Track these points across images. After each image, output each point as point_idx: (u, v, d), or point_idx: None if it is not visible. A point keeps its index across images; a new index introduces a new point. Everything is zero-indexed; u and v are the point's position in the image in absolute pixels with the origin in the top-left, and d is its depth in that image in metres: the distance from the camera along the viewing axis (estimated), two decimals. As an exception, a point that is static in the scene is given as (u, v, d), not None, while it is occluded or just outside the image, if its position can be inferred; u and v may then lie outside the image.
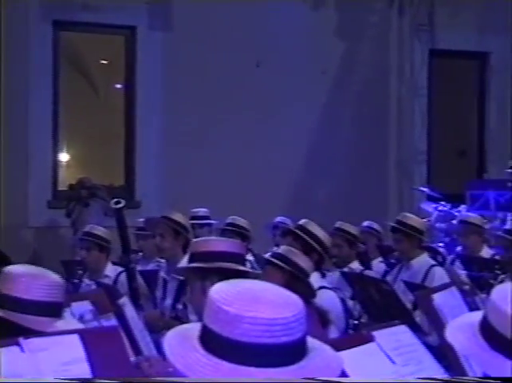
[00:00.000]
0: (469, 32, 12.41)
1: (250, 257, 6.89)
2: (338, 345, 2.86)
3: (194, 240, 4.15)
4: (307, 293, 4.45)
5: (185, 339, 1.91)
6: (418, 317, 5.09)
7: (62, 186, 11.06)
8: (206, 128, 11.14)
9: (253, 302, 1.85)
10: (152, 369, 3.32)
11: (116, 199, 4.90)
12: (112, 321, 3.62)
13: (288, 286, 4.50)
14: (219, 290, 1.89)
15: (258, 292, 1.89)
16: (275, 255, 4.63)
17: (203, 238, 4.49)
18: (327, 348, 1.97)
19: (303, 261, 4.61)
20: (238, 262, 3.82)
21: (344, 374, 2.70)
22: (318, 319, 4.23)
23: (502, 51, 12.74)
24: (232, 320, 1.83)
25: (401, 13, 12.26)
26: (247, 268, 4.07)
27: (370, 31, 12.13)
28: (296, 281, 4.47)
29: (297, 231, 6.02)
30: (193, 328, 1.94)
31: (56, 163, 11.14)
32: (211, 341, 1.85)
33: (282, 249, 4.75)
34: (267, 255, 4.71)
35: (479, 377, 1.98)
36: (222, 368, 1.82)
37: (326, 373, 1.87)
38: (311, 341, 1.92)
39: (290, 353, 1.84)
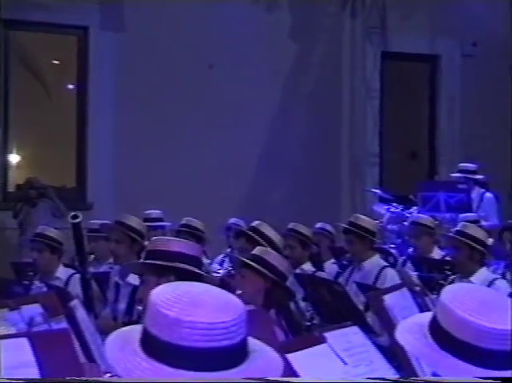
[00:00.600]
0: (420, 35, 12.53)
1: (204, 260, 6.88)
2: (290, 347, 2.88)
3: (155, 238, 4.17)
4: (285, 298, 4.49)
5: (126, 343, 1.89)
6: (369, 318, 5.12)
7: (12, 187, 10.94)
8: (159, 129, 11.10)
9: (192, 305, 1.84)
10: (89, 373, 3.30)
11: (73, 213, 4.85)
12: (62, 324, 3.58)
13: (268, 292, 4.53)
14: (159, 293, 1.88)
15: (198, 295, 1.88)
16: (256, 259, 4.62)
17: (164, 237, 4.50)
18: (268, 349, 1.97)
19: (282, 265, 4.63)
20: (195, 264, 3.85)
21: (295, 375, 2.71)
22: (285, 325, 4.27)
23: (452, 54, 12.89)
24: (171, 324, 1.82)
25: (353, 16, 12.33)
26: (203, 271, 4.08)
27: (323, 33, 12.18)
28: (276, 287, 4.50)
29: (250, 233, 6.03)
30: (134, 331, 1.92)
31: (6, 164, 11.01)
32: (152, 345, 1.84)
33: (260, 251, 4.74)
34: (244, 258, 4.69)
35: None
36: (162, 372, 1.81)
37: (267, 374, 1.87)
38: (252, 344, 1.92)
39: (231, 356, 1.84)
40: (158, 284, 3.61)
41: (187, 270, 3.78)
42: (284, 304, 4.56)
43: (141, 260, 4.23)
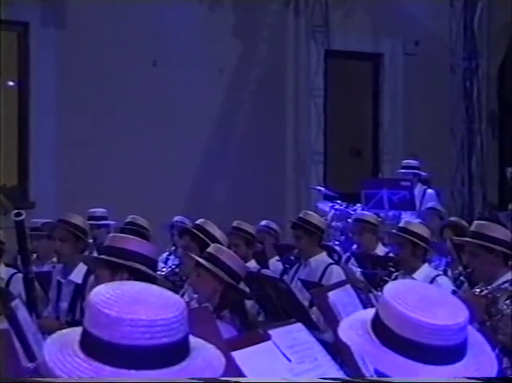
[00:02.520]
0: (363, 34, 12.62)
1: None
2: (234, 344, 2.87)
3: (112, 234, 4.15)
4: (240, 297, 4.49)
5: (65, 344, 1.88)
6: (314, 314, 5.15)
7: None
8: (102, 127, 11.01)
9: (133, 304, 1.84)
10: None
11: (16, 211, 4.79)
12: (3, 325, 3.54)
13: (224, 292, 4.52)
14: (99, 293, 1.87)
15: (138, 294, 1.87)
16: (211, 259, 4.59)
17: (122, 235, 4.50)
18: (210, 347, 1.96)
19: (237, 264, 4.63)
20: (150, 266, 3.85)
21: (240, 373, 2.71)
22: (238, 325, 4.28)
23: (395, 52, 13.01)
24: (112, 323, 1.81)
25: (297, 14, 12.37)
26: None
27: (267, 31, 12.20)
28: (231, 287, 4.50)
29: (195, 231, 6.01)
30: (73, 332, 1.91)
31: None
32: (92, 346, 1.83)
33: (215, 250, 4.71)
34: (200, 259, 4.66)
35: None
36: (102, 372, 1.80)
37: (208, 372, 1.87)
38: (194, 341, 1.92)
39: (171, 354, 1.83)
40: (112, 280, 3.61)
41: (142, 270, 3.77)
42: (239, 304, 4.57)
43: (96, 255, 4.22)
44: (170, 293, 1.93)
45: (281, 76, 12.31)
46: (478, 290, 4.41)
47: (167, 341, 1.82)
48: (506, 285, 4.37)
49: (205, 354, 1.92)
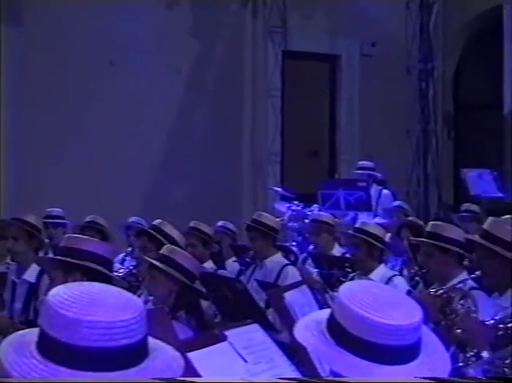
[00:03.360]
0: (320, 34, 12.67)
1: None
2: (191, 345, 2.87)
3: (68, 235, 4.12)
4: (195, 298, 4.48)
5: (21, 346, 1.86)
6: (270, 315, 5.16)
7: None
8: (60, 126, 10.92)
9: (91, 305, 1.83)
10: None
11: None
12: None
13: (179, 293, 4.51)
14: (56, 294, 1.85)
15: (97, 295, 1.86)
16: (165, 260, 4.58)
17: (78, 235, 4.47)
18: (168, 348, 1.96)
19: (191, 264, 4.62)
20: (105, 265, 3.83)
21: (196, 374, 2.71)
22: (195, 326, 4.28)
23: (351, 53, 13.08)
24: (70, 324, 1.80)
25: (255, 15, 12.39)
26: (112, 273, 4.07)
27: (224, 31, 12.20)
28: (186, 288, 4.49)
29: (151, 232, 5.99)
30: (30, 333, 1.89)
31: None
32: (49, 347, 1.82)
33: (169, 251, 4.69)
34: (154, 261, 4.64)
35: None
36: (59, 374, 1.79)
37: (167, 373, 1.87)
38: (153, 342, 1.91)
39: (130, 355, 1.82)
40: (65, 281, 3.59)
41: (97, 270, 3.75)
42: (194, 304, 4.56)
43: (51, 256, 4.19)
44: (129, 294, 1.92)
45: (238, 77, 12.31)
46: (433, 290, 4.46)
47: (126, 342, 1.81)
48: (461, 285, 4.42)
49: (164, 355, 1.91)
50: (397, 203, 9.74)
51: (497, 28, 12.44)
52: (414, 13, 13.07)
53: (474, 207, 9.25)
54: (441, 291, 4.32)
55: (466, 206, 9.47)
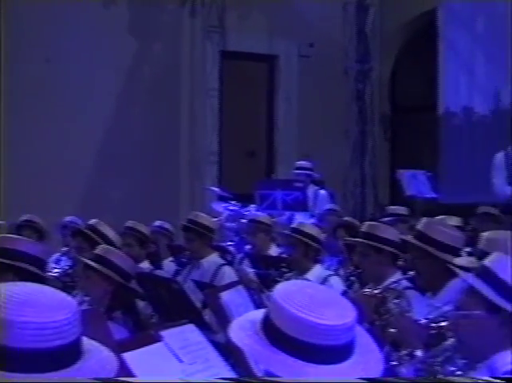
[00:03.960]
0: (258, 35, 12.69)
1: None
2: (126, 346, 2.86)
3: (1, 235, 4.07)
4: (131, 298, 4.44)
5: None
6: (207, 315, 5.16)
7: None
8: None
9: (23, 305, 1.81)
10: None
11: None
12: None
13: (114, 293, 4.47)
14: None
15: (29, 295, 1.85)
16: (100, 260, 4.53)
17: (11, 235, 4.41)
18: (103, 349, 1.95)
19: (127, 264, 4.58)
20: (38, 265, 3.79)
21: (130, 374, 2.69)
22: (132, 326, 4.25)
23: (290, 54, 13.13)
24: (3, 325, 1.78)
25: (193, 14, 12.35)
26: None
27: (162, 31, 12.14)
28: (122, 288, 4.45)
29: (87, 231, 5.95)
30: None
31: None
32: None
33: (104, 251, 4.65)
34: (89, 261, 4.60)
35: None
36: None
37: (101, 374, 1.85)
38: (87, 343, 1.90)
39: (63, 356, 1.81)
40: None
41: (29, 270, 3.71)
42: (130, 304, 4.54)
43: None
44: (62, 294, 1.91)
45: (176, 76, 12.27)
46: (367, 290, 4.50)
47: (59, 343, 1.80)
48: (395, 285, 4.47)
49: (98, 356, 1.90)
50: (329, 206, 9.81)
51: (432, 30, 12.62)
52: (351, 15, 13.18)
53: (402, 209, 9.33)
54: (375, 291, 4.37)
55: (393, 208, 9.54)
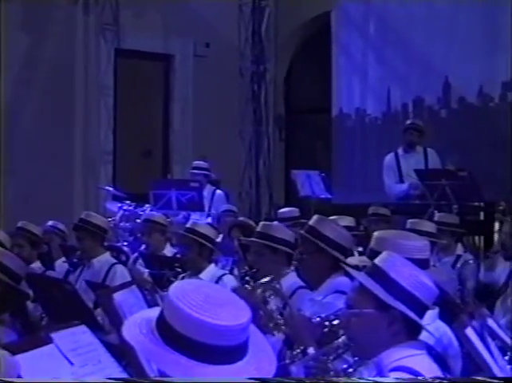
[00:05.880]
0: (154, 33, 12.62)
1: None
2: (15, 349, 2.79)
3: None
4: (20, 300, 4.35)
5: None
6: (99, 316, 5.10)
7: None
8: None
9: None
10: None
11: None
12: None
13: (2, 295, 4.38)
14: None
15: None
16: None
17: None
18: (4, 353, 1.91)
19: (16, 265, 4.48)
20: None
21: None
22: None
23: (185, 53, 13.10)
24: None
25: (86, 11, 12.17)
26: None
27: (55, 27, 11.93)
28: (11, 289, 4.36)
29: (-25, 232, 5.81)
30: None
31: None
32: None
33: None
34: None
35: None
36: None
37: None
38: None
39: None
40: None
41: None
42: (19, 306, 4.44)
43: None
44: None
45: (70, 74, 12.08)
46: (247, 285, 4.57)
47: None
48: (275, 282, 4.50)
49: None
50: (225, 206, 9.84)
51: (326, 32, 12.78)
52: (247, 16, 13.24)
53: (293, 212, 9.41)
54: (255, 287, 4.43)
55: (282, 213, 9.60)
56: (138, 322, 2.21)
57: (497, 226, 8.00)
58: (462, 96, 11.40)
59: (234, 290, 4.10)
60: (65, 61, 12.02)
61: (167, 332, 2.12)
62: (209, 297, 2.15)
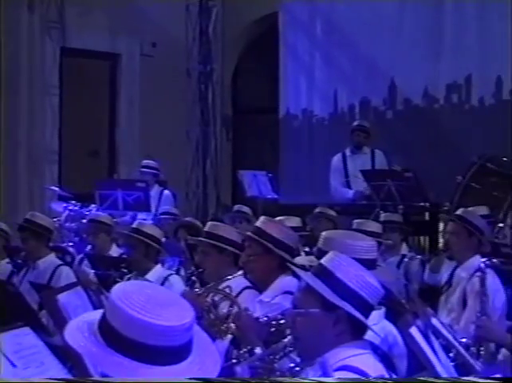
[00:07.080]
0: (100, 32, 12.52)
1: None
2: (-46, 352, 2.74)
3: None
4: None
5: None
6: (44, 317, 5.05)
7: None
8: None
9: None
10: None
11: None
12: None
13: None
14: None
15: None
16: None
17: None
18: None
19: None
20: None
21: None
22: None
23: (132, 53, 13.02)
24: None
25: (31, 9, 12.03)
26: None
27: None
28: None
29: None
30: None
31: None
32: None
33: None
34: None
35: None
36: None
37: None
38: None
39: None
40: None
41: None
42: None
43: None
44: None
45: (14, 73, 11.92)
46: (197, 289, 4.55)
47: None
48: (228, 287, 4.49)
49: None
50: (164, 208, 9.82)
51: (273, 33, 12.81)
52: (194, 16, 13.21)
53: (245, 209, 9.47)
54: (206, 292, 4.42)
55: (237, 207, 9.68)
56: (80, 325, 2.19)
57: (441, 226, 8.09)
58: (407, 97, 11.51)
59: (183, 295, 4.08)
60: (10, 59, 11.86)
61: (109, 334, 2.10)
62: (151, 298, 2.14)
